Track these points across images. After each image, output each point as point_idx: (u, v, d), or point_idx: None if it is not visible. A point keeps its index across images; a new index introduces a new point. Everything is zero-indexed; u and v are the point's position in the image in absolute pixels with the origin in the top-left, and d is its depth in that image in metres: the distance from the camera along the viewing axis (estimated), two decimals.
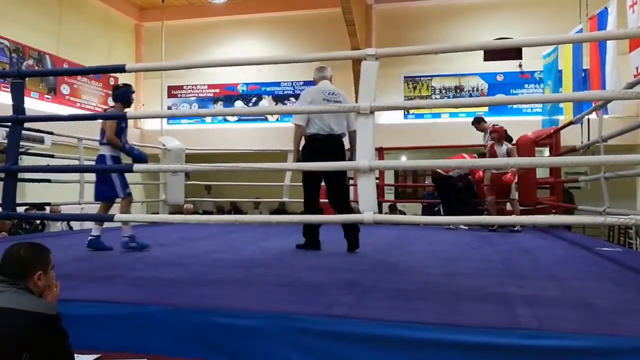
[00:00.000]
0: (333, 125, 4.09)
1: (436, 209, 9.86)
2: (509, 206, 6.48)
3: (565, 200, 8.50)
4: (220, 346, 2.07)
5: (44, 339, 1.72)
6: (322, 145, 4.08)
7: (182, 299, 2.33)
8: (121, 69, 3.05)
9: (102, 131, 4.15)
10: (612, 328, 1.86)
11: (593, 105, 4.74)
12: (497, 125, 6.48)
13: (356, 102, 2.57)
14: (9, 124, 3.24)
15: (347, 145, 4.24)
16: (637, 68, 5.59)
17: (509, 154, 6.13)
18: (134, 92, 4.33)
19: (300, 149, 4.19)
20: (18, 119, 3.07)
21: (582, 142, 6.46)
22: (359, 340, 1.93)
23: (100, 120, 4.18)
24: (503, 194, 6.30)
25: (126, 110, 4.30)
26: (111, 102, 11.53)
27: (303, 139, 4.19)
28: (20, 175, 3.39)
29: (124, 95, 4.22)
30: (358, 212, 2.61)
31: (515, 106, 10.68)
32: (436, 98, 11.34)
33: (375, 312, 2.09)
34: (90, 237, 4.18)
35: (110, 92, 12.87)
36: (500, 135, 6.32)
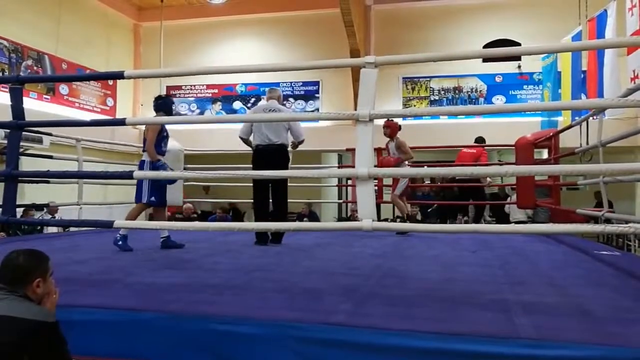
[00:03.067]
0: (271, 136, 4.77)
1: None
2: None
3: None
4: (218, 353, 2.07)
5: (42, 347, 1.72)
6: (263, 154, 4.77)
7: (181, 306, 2.32)
8: (120, 76, 3.04)
9: (144, 139, 4.47)
10: (612, 338, 1.86)
11: (590, 110, 4.74)
12: (391, 120, 6.05)
13: (355, 109, 2.57)
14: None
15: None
16: (634, 71, 5.58)
17: (399, 148, 5.93)
18: (174, 102, 4.60)
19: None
20: (18, 124, 3.07)
21: (581, 144, 6.45)
22: (358, 349, 1.93)
23: (144, 128, 4.59)
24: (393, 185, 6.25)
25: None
26: (110, 103, 11.57)
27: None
28: None
29: (165, 104, 4.61)
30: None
31: None
32: (435, 99, 11.35)
33: (374, 320, 2.09)
34: (162, 238, 4.57)
35: (110, 93, 12.76)
36: (393, 130, 5.99)
